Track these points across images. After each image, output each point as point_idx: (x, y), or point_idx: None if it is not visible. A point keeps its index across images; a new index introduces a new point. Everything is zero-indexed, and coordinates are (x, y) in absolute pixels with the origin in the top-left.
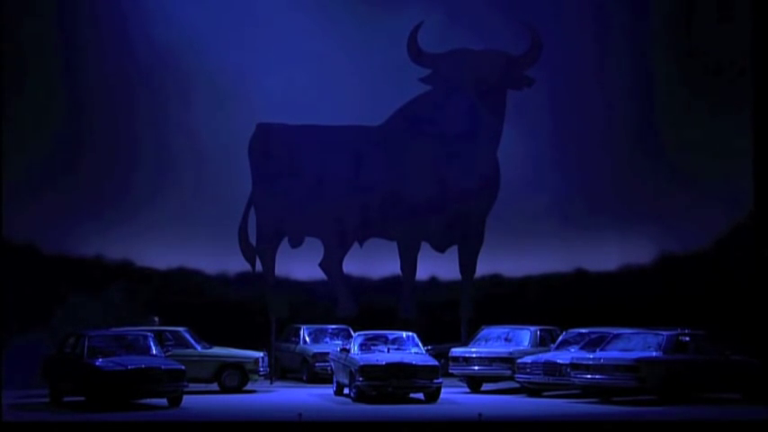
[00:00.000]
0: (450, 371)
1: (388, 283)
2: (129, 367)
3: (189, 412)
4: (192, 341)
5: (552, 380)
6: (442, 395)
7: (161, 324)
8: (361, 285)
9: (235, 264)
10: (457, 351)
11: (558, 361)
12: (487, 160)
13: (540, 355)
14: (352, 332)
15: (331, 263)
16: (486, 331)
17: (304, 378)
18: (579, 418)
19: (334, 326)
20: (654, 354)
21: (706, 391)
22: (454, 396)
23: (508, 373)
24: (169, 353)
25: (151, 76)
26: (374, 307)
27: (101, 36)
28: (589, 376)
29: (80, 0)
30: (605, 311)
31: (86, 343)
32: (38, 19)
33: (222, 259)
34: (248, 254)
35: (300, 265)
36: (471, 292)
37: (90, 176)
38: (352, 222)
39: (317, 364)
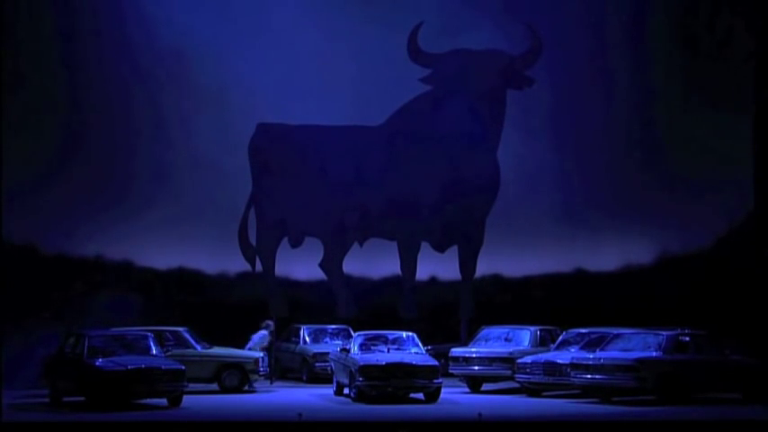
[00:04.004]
0: (451, 371)
1: (388, 283)
2: (129, 367)
3: (189, 412)
4: (192, 341)
5: (552, 380)
6: (442, 395)
7: (275, 327)
8: (361, 285)
9: (235, 264)
10: (457, 351)
11: (558, 361)
12: (487, 160)
13: (540, 355)
14: (352, 332)
15: (331, 263)
16: (486, 331)
17: (304, 378)
18: (579, 418)
19: (334, 326)
20: (654, 354)
21: (706, 391)
22: (454, 396)
23: (508, 373)
24: (169, 353)
25: (151, 77)
26: (374, 307)
27: (100, 37)
28: (589, 376)
29: (80, 2)
30: (605, 311)
31: (86, 343)
32: (38, 20)
33: (222, 259)
34: (248, 254)
35: (300, 265)
36: (471, 292)
37: (90, 177)
38: (352, 222)
39: (316, 364)
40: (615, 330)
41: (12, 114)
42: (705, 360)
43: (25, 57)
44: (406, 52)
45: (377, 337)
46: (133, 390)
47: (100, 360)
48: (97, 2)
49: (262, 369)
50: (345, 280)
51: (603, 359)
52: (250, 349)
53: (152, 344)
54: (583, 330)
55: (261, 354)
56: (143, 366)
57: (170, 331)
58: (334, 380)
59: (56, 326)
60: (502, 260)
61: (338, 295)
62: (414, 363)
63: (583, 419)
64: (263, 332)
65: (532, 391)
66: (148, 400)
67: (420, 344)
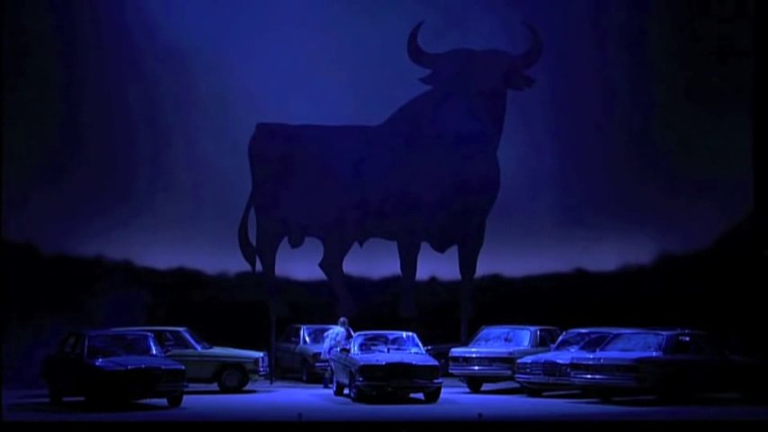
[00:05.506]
0: (450, 371)
1: (388, 283)
2: (129, 367)
3: (189, 412)
4: (192, 341)
5: (552, 380)
6: (442, 395)
7: (348, 324)
8: (361, 285)
9: (235, 264)
10: (457, 351)
11: (558, 361)
12: (487, 160)
13: (540, 355)
14: (352, 332)
15: (331, 263)
16: (486, 331)
17: (304, 378)
18: (579, 418)
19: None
20: (654, 354)
21: (706, 391)
22: (454, 396)
23: (508, 373)
24: (169, 353)
25: (151, 77)
26: (374, 307)
27: (101, 37)
28: (589, 376)
29: (81, 2)
30: (605, 311)
31: (86, 343)
32: (38, 19)
33: (222, 259)
34: (248, 254)
35: (300, 265)
36: (471, 292)
37: (90, 177)
38: (352, 222)
39: (316, 364)
40: (615, 330)
41: (12, 114)
42: (705, 360)
43: (26, 57)
44: (407, 52)
45: (377, 337)
46: (133, 390)
47: (100, 360)
48: (98, 2)
49: (262, 369)
50: (345, 280)
51: (603, 359)
52: (330, 348)
53: (152, 344)
54: (583, 330)
55: (261, 353)
56: (143, 366)
57: (170, 331)
58: (334, 380)
59: (56, 326)
60: (502, 260)
61: (338, 295)
62: (414, 363)
63: (583, 419)
64: (338, 329)
65: (532, 391)
66: (148, 400)
67: (420, 344)
